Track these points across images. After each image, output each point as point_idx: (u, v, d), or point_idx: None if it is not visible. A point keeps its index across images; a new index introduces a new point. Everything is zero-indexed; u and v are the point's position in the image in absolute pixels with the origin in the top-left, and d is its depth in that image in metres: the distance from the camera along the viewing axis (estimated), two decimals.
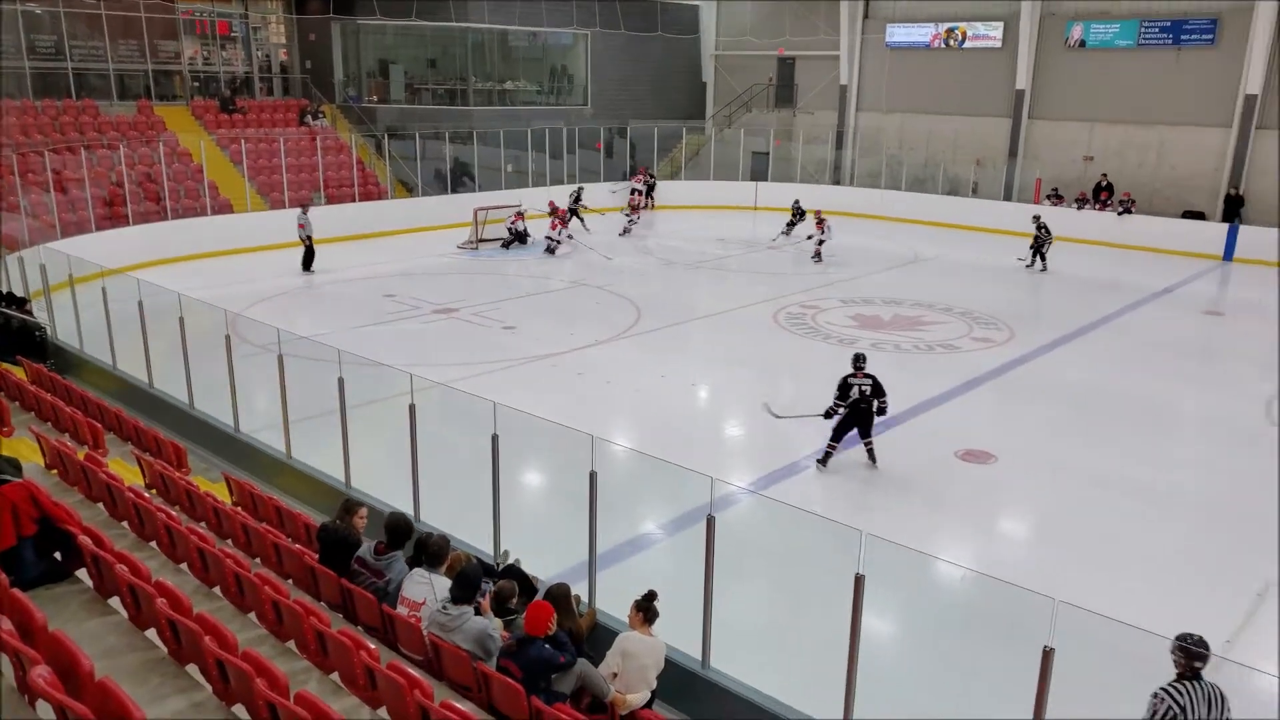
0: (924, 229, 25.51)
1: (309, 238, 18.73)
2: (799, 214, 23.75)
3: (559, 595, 5.27)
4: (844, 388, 9.70)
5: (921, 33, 28.37)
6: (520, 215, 22.15)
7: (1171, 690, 4.55)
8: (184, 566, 5.72)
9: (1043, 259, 20.42)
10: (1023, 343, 14.70)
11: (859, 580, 5.00)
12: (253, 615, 5.20)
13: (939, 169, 27.18)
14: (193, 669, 4.28)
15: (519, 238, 21.98)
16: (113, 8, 23.34)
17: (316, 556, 5.96)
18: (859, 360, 9.90)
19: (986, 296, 18.02)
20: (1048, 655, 4.26)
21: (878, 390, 9.69)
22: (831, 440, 9.86)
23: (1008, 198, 26.15)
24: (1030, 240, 20.53)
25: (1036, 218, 20.80)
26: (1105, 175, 24.85)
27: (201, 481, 7.79)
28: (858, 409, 9.69)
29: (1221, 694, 4.62)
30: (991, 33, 27.01)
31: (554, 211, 21.92)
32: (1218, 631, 6.90)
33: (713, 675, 5.79)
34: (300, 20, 27.36)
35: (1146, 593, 7.54)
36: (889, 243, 23.59)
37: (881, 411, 9.79)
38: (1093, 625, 5.10)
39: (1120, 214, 23.84)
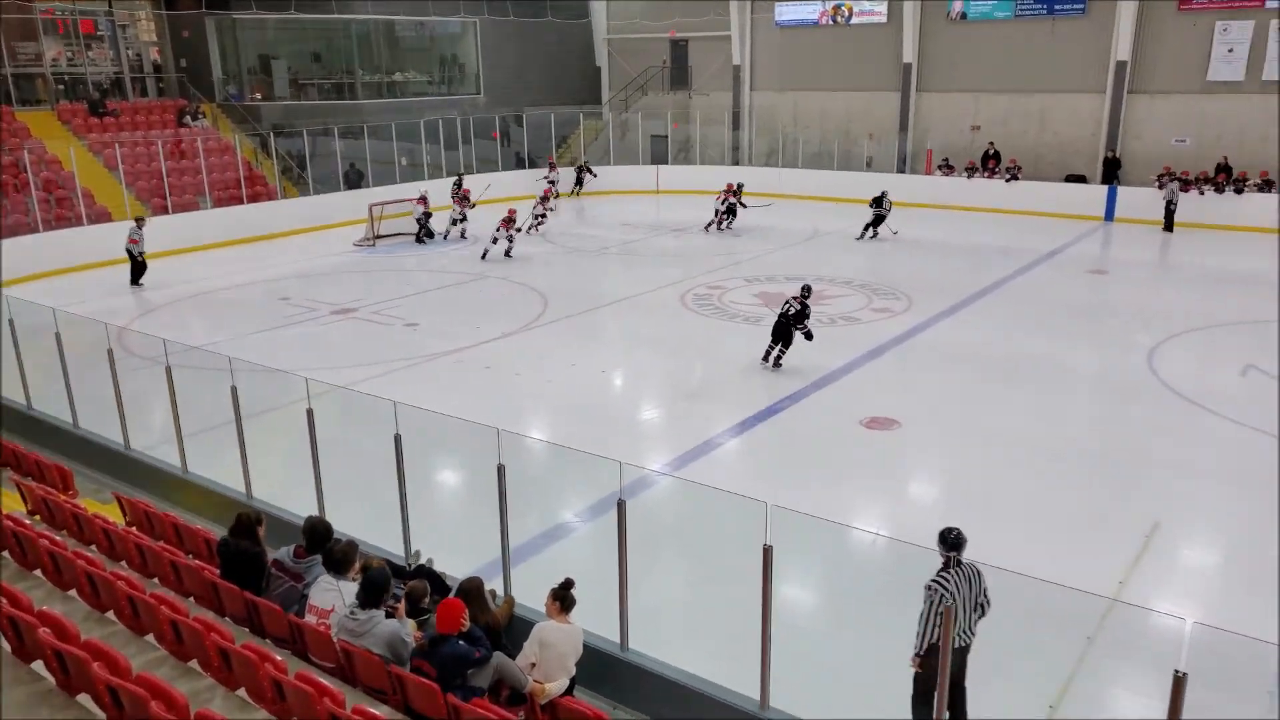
0: (822, 205, 26.07)
1: (141, 253, 17.62)
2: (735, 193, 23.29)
3: (471, 590, 5.22)
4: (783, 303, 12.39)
5: (809, 10, 28.88)
6: (423, 199, 21.70)
7: (939, 580, 5.19)
8: (72, 593, 5.44)
9: (874, 230, 21.48)
10: (921, 311, 15.20)
11: (767, 551, 5.11)
12: (150, 637, 4.99)
13: (834, 145, 27.79)
14: (85, 698, 4.08)
15: (427, 230, 21.54)
16: None
17: (218, 571, 5.75)
18: (804, 290, 12.40)
19: (884, 268, 18.58)
20: (948, 612, 4.41)
21: (800, 317, 12.10)
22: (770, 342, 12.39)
23: (901, 170, 26.95)
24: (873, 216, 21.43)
25: (884, 194, 21.47)
26: (992, 144, 25.85)
27: (91, 504, 7.42)
28: (781, 322, 12.17)
29: (978, 570, 5.30)
30: (877, 8, 27.69)
31: (462, 199, 21.54)
32: (1107, 572, 7.34)
33: (632, 657, 5.83)
34: (171, 17, 26.09)
35: (1047, 543, 7.90)
36: (789, 220, 24.03)
37: (807, 336, 12.21)
38: (999, 579, 5.35)
39: (1008, 181, 24.87)
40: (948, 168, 26.25)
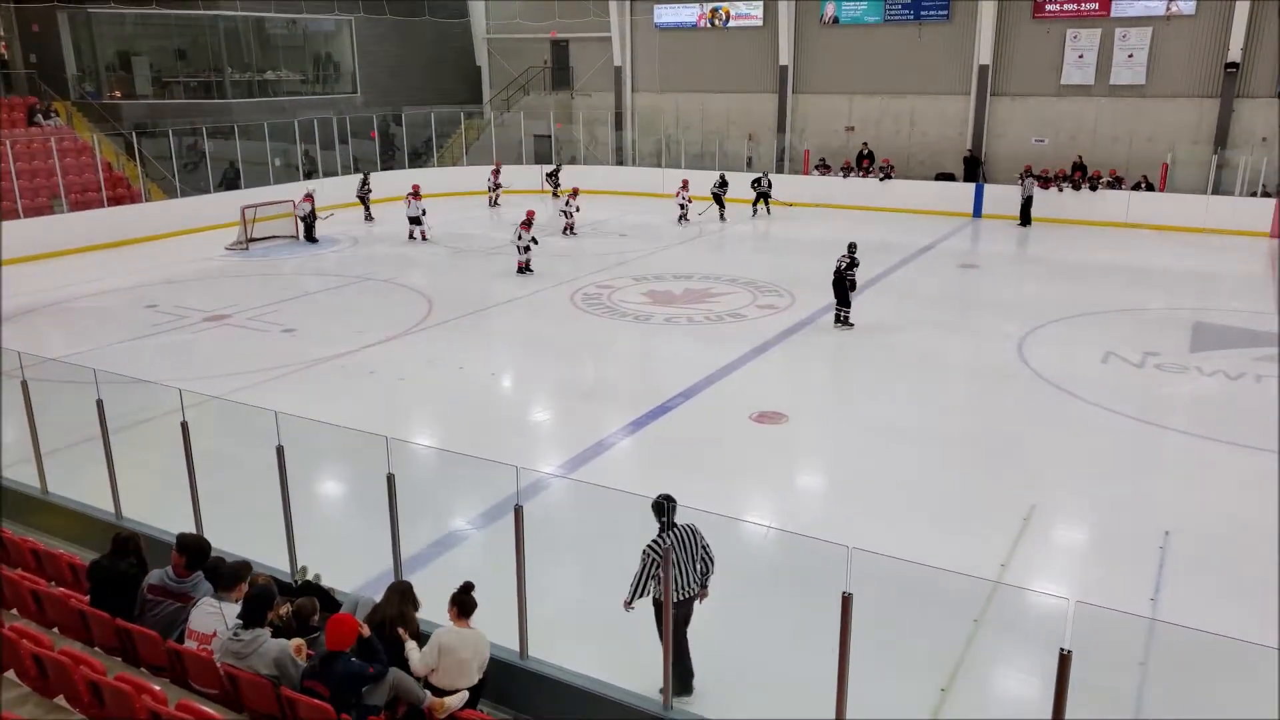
0: (705, 204, 26.49)
1: None
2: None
3: (402, 590, 5.23)
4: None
5: (688, 13, 29.33)
6: (309, 197, 20.94)
7: (653, 544, 5.74)
8: None
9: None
10: (804, 306, 15.67)
11: (666, 552, 5.16)
12: (12, 673, 4.65)
13: (715, 145, 28.31)
14: None
15: (310, 229, 20.81)
16: None
17: (87, 599, 5.41)
18: (850, 246, 14.50)
19: (767, 265, 19.07)
20: (847, 600, 4.52)
21: (851, 266, 14.26)
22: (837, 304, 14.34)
23: (780, 170, 27.69)
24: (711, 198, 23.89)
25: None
26: (866, 144, 26.90)
27: None
28: (835, 279, 14.33)
29: (692, 529, 5.86)
30: (753, 12, 28.37)
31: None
32: (989, 555, 7.74)
33: (532, 665, 5.78)
34: (18, 9, 24.29)
35: (930, 530, 8.27)
36: (674, 219, 24.33)
37: (851, 285, 14.33)
38: (885, 566, 5.54)
39: (882, 179, 25.94)
40: (824, 167, 27.15)
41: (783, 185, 25.81)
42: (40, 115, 23.03)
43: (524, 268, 17.90)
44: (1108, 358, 12.89)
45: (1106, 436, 10.35)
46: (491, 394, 12.14)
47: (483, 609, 5.40)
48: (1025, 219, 23.37)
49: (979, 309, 16.59)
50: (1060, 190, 23.69)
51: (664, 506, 5.65)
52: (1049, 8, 24.35)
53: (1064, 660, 3.88)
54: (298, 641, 4.91)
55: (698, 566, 5.86)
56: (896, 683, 6.12)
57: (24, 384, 8.02)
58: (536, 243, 18.03)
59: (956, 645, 6.57)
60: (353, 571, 6.75)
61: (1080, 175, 23.89)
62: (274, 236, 20.97)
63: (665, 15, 29.61)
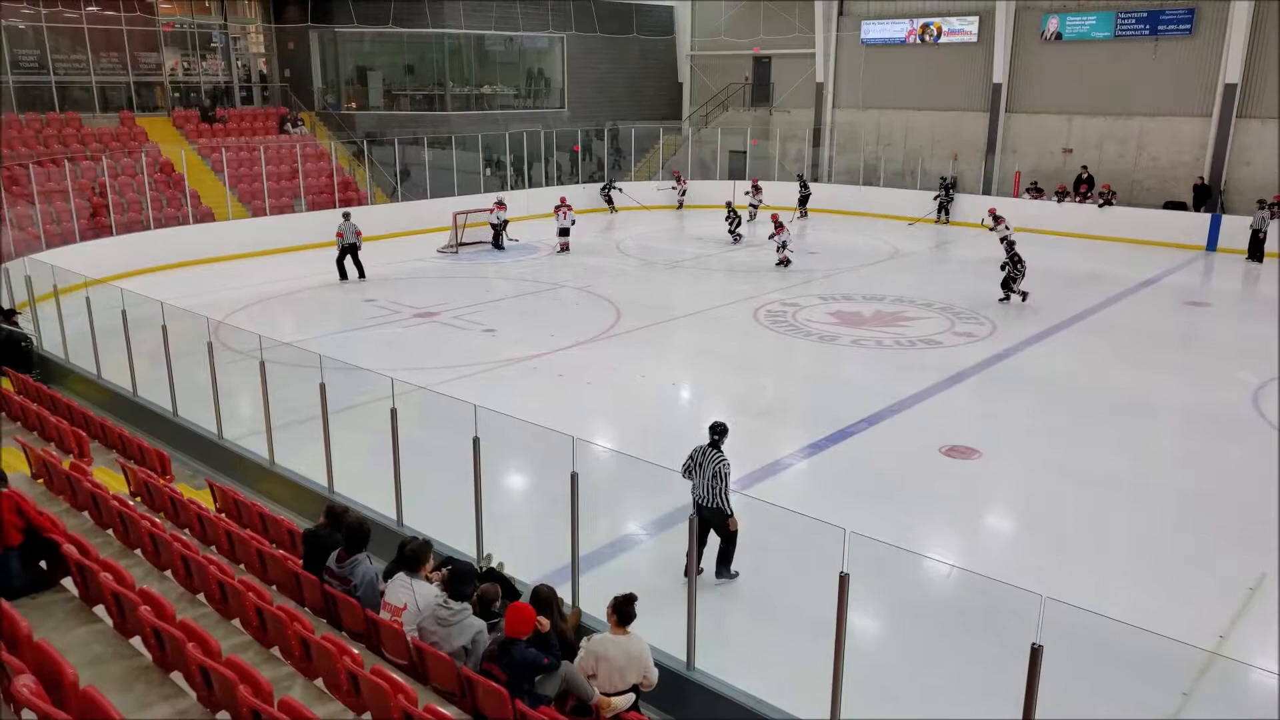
0: (902, 225, 25.67)
1: (351, 245, 18.53)
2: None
3: (544, 597, 5.29)
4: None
5: (896, 29, 28.55)
6: (501, 204, 22.16)
7: (694, 450, 7.45)
8: (168, 574, 5.71)
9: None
10: (1005, 337, 14.82)
11: (843, 579, 5.02)
12: (237, 622, 5.21)
13: (917, 164, 27.36)
14: (177, 676, 4.29)
15: (497, 237, 22.00)
16: (95, 21, 23.25)
17: (300, 562, 5.96)
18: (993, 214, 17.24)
19: (968, 291, 18.16)
20: (1036, 652, 4.24)
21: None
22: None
23: (987, 192, 26.35)
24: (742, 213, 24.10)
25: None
26: (1085, 168, 25.10)
27: (186, 489, 7.76)
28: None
29: (719, 463, 7.32)
30: (967, 28, 27.21)
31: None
32: (1205, 624, 7.00)
33: (698, 677, 5.80)
34: (279, 29, 27.27)
35: (1133, 588, 7.60)
36: (868, 239, 23.73)
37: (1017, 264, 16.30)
38: (1080, 621, 5.14)
39: (1101, 206, 24.09)
40: (1036, 191, 25.56)
41: (987, 207, 24.53)
42: (289, 124, 25.72)
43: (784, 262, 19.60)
44: None
45: None
46: (670, 403, 12.31)
47: (651, 615, 5.48)
48: (1256, 253, 20.94)
49: (1207, 352, 15.04)
50: None
51: (716, 428, 7.43)
52: None
53: None
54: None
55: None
56: None
57: (262, 364, 8.96)
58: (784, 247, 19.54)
59: (1158, 717, 5.99)
60: (533, 563, 7.03)
61: None
62: (481, 241, 22.28)
63: (873, 31, 28.99)
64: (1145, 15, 24.05)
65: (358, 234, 18.47)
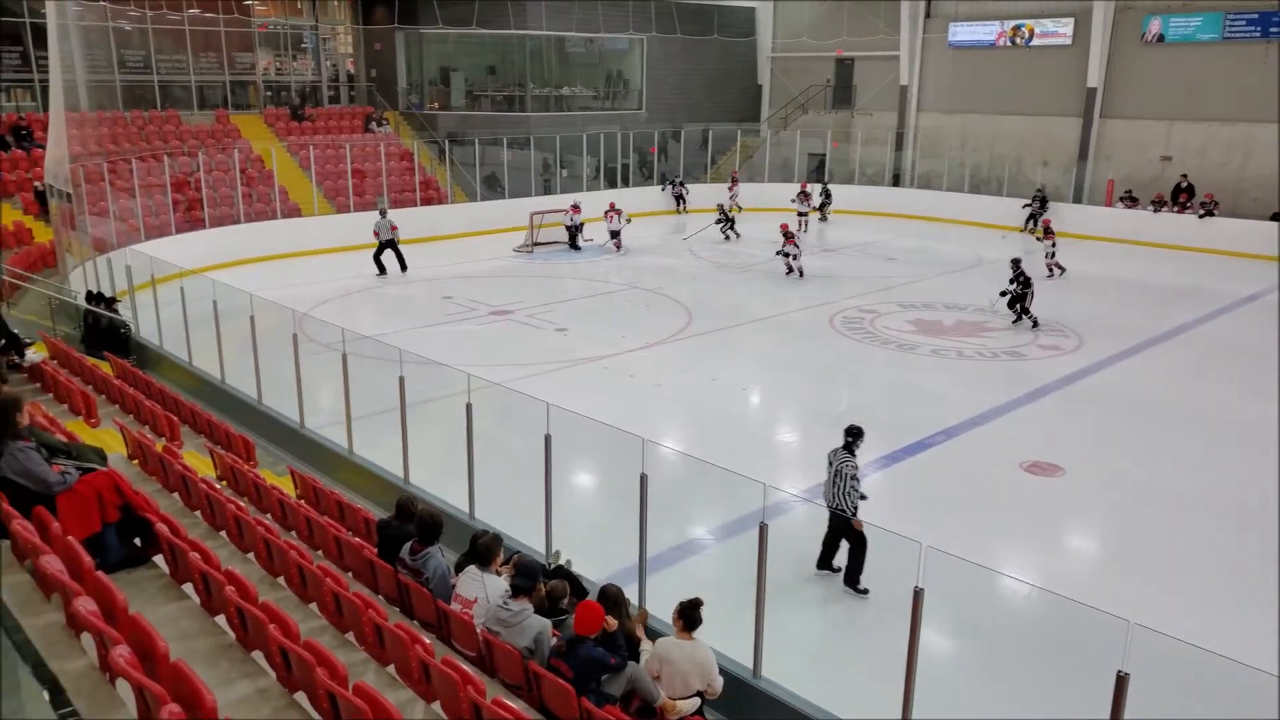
0: (986, 232, 24.97)
1: (390, 240, 19.21)
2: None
3: (613, 596, 5.29)
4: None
5: (986, 31, 27.82)
6: (576, 208, 22.35)
7: (829, 452, 7.69)
8: (251, 556, 5.90)
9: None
10: (1093, 351, 14.30)
11: (918, 594, 4.90)
12: (314, 606, 5.34)
13: (1003, 170, 26.60)
14: (258, 655, 4.42)
15: (573, 238, 22.19)
16: (195, 23, 24.29)
17: (375, 551, 6.09)
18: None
19: (1054, 302, 17.54)
20: (1122, 681, 4.09)
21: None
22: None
23: (1078, 200, 25.45)
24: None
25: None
26: (1185, 176, 23.99)
27: (268, 475, 8.02)
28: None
29: (846, 465, 7.48)
30: (1061, 29, 26.34)
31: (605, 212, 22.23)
32: None
33: (764, 685, 5.74)
34: (367, 30, 28.03)
35: (1223, 616, 7.24)
36: (950, 246, 23.17)
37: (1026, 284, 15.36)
38: (1168, 649, 4.91)
39: (1201, 217, 22.99)
40: (1131, 200, 24.57)
41: (1080, 218, 23.75)
42: (374, 123, 26.41)
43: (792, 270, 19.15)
44: None
45: None
46: (741, 408, 12.22)
47: (718, 621, 5.44)
48: None
49: None
50: None
51: (852, 431, 7.62)
52: None
53: None
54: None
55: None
56: None
57: (344, 357, 9.21)
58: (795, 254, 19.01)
59: None
60: (599, 561, 7.05)
61: None
62: (556, 241, 22.50)
63: (961, 34, 28.31)
64: (1256, 17, 22.88)
65: (393, 229, 19.02)
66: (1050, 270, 19.16)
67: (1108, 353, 14.16)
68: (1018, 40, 27.26)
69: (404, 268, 19.31)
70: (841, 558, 7.70)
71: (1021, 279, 15.49)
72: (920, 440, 10.67)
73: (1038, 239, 19.99)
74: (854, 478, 7.46)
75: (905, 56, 29.36)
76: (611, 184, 27.44)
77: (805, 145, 29.98)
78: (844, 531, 7.51)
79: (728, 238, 23.60)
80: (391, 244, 19.14)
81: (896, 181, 29.34)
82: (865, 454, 10.28)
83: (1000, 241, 23.17)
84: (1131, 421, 11.56)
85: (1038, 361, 13.82)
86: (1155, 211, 23.83)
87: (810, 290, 18.40)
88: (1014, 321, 15.65)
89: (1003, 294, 15.76)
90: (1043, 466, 9.96)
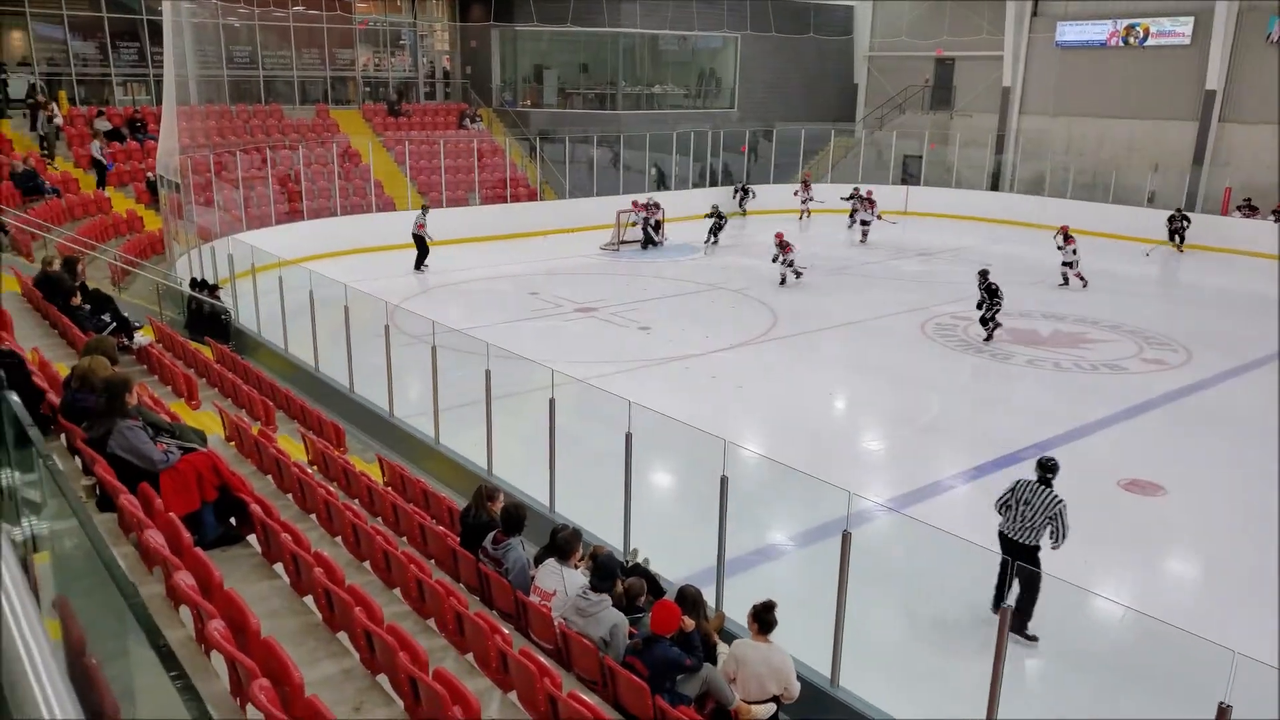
0: (1091, 240, 23.91)
1: (428, 237, 19.44)
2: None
3: (691, 597, 5.26)
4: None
5: (1097, 30, 26.69)
6: (636, 204, 22.34)
7: (1017, 483, 6.95)
8: (338, 540, 6.07)
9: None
10: (1201, 367, 13.56)
11: (1004, 612, 4.74)
12: (397, 591, 5.46)
13: (1111, 176, 25.46)
14: (343, 636, 4.54)
15: (650, 238, 22.19)
16: (299, 20, 25.23)
17: (458, 539, 6.20)
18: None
19: (1161, 315, 16.74)
20: (1224, 713, 3.89)
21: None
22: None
23: (1191, 208, 24.16)
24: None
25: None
26: None
27: (357, 461, 8.25)
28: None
29: (1054, 502, 6.77)
30: (1179, 29, 25.07)
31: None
32: None
33: (841, 695, 5.64)
34: (463, 28, 28.62)
35: None
36: (1050, 253, 22.27)
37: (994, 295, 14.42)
38: (1274, 681, 4.65)
39: None
40: (1250, 209, 23.21)
41: (1193, 226, 22.55)
42: (468, 120, 26.95)
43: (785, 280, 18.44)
44: None
45: None
46: (826, 413, 12.01)
47: (796, 628, 5.36)
48: None
49: None
50: None
51: (1046, 463, 6.94)
52: None
53: None
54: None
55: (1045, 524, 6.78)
56: None
57: (434, 349, 9.42)
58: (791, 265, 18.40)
59: None
60: (676, 561, 7.03)
61: None
62: (639, 240, 22.55)
63: (1069, 33, 27.22)
64: None
65: (420, 226, 19.16)
66: (1065, 278, 18.46)
67: (1218, 369, 13.42)
68: (1131, 40, 26.06)
69: (418, 266, 19.39)
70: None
71: (990, 289, 14.54)
72: (1011, 453, 10.28)
73: (1058, 248, 18.97)
74: (1063, 515, 6.79)
75: (1009, 57, 28.40)
76: (712, 183, 27.42)
77: (901, 147, 29.32)
78: (1022, 571, 6.57)
79: (713, 241, 22.69)
80: (419, 239, 19.34)
81: (995, 185, 28.42)
82: (952, 464, 10.05)
83: (1145, 258, 22.12)
84: (1240, 442, 10.91)
85: (1140, 375, 13.18)
86: (1276, 221, 22.44)
87: (903, 295, 17.96)
88: (985, 340, 14.60)
89: (976, 307, 14.85)
90: (1143, 485, 9.49)
